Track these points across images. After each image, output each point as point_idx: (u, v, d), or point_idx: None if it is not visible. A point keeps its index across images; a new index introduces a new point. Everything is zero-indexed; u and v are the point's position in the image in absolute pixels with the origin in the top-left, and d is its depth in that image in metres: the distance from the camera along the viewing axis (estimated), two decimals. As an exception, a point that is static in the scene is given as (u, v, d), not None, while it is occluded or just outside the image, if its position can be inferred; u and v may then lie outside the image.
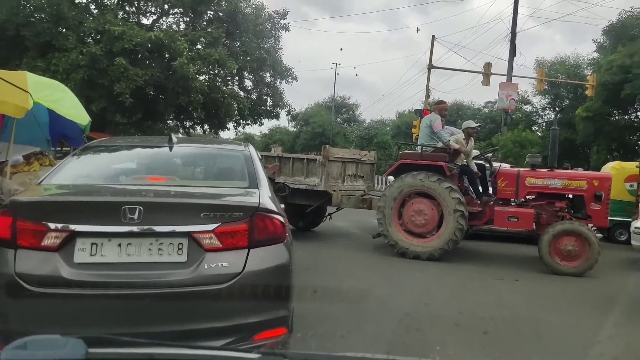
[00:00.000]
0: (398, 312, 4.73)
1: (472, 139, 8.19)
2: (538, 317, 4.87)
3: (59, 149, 8.73)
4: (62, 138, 7.62)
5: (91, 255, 2.48)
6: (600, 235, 8.23)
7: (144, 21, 21.04)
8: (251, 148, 3.76)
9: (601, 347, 4.03)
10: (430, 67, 23.55)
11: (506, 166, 9.12)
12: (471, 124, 8.30)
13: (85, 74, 16.63)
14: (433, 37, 23.36)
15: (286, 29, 22.28)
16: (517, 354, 3.85)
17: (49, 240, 2.46)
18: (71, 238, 2.48)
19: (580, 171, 9.68)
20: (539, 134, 27.61)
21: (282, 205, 3.52)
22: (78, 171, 3.30)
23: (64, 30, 17.56)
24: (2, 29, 16.82)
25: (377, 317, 4.49)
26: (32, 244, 2.46)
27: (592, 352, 3.94)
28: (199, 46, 19.78)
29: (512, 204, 7.80)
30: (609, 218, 7.65)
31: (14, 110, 5.23)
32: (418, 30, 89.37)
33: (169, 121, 23.50)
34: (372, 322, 4.33)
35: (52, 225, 2.47)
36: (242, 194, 3.00)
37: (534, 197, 7.75)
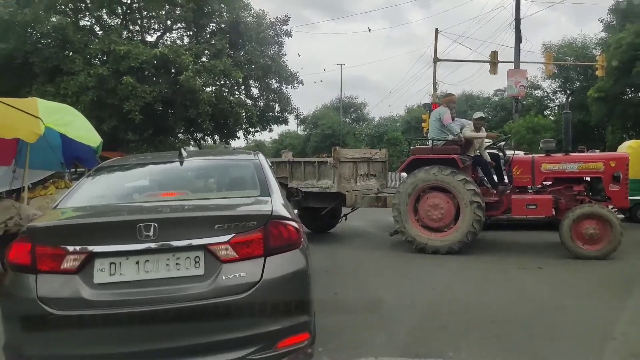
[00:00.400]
0: (420, 310, 4.69)
1: (482, 129, 8.11)
2: (564, 305, 4.79)
3: (74, 170, 8.86)
4: (75, 160, 7.72)
5: (110, 275, 2.50)
6: (621, 216, 8.09)
7: (148, 38, 21.35)
8: (260, 156, 3.77)
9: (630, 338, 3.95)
10: (436, 60, 23.42)
11: (520, 153, 8.99)
12: (477, 115, 8.20)
13: (94, 95, 16.88)
14: (436, 30, 23.26)
15: (288, 34, 22.40)
16: (545, 348, 3.78)
17: (68, 263, 2.49)
18: (90, 259, 2.50)
19: (596, 153, 9.52)
20: (552, 118, 27.24)
21: (296, 211, 3.53)
22: (92, 192, 3.34)
23: (70, 53, 17.87)
24: (11, 58, 17.17)
25: (399, 317, 4.46)
26: (52, 267, 2.50)
27: (620, 340, 3.86)
28: (203, 59, 19.97)
29: (529, 191, 7.70)
30: (629, 198, 7.50)
31: (26, 135, 5.33)
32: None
33: (179, 135, 23.75)
34: (394, 322, 4.30)
35: (70, 248, 2.50)
36: (254, 203, 3.00)
37: (550, 182, 7.65)
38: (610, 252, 6.85)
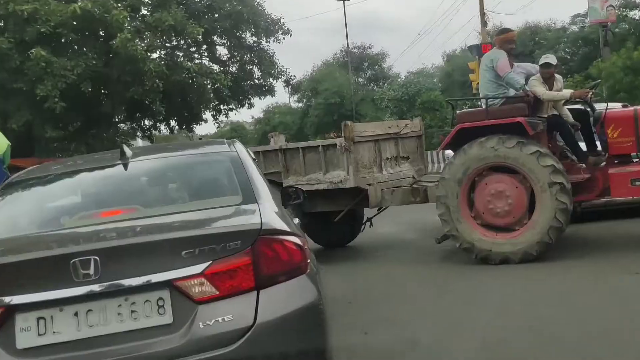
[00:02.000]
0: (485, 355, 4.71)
1: (558, 80, 8.05)
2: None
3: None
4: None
5: (39, 335, 2.54)
6: None
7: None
8: (239, 146, 3.81)
9: None
10: (481, -20, 23.33)
11: (616, 106, 8.96)
12: (542, 60, 7.97)
13: (-9, 80, 16.98)
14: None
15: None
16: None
17: None
18: (8, 316, 2.54)
19: None
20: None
21: (297, 220, 3.56)
22: (3, 219, 3.38)
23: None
24: None
25: None
26: None
27: None
28: (144, 12, 20.02)
29: (634, 160, 7.69)
30: None
31: None
32: None
33: (121, 125, 23.83)
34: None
35: (-22, 303, 2.54)
36: (235, 214, 3.05)
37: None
38: None
